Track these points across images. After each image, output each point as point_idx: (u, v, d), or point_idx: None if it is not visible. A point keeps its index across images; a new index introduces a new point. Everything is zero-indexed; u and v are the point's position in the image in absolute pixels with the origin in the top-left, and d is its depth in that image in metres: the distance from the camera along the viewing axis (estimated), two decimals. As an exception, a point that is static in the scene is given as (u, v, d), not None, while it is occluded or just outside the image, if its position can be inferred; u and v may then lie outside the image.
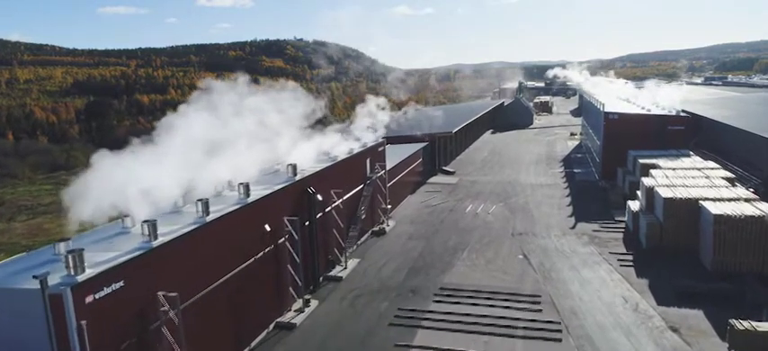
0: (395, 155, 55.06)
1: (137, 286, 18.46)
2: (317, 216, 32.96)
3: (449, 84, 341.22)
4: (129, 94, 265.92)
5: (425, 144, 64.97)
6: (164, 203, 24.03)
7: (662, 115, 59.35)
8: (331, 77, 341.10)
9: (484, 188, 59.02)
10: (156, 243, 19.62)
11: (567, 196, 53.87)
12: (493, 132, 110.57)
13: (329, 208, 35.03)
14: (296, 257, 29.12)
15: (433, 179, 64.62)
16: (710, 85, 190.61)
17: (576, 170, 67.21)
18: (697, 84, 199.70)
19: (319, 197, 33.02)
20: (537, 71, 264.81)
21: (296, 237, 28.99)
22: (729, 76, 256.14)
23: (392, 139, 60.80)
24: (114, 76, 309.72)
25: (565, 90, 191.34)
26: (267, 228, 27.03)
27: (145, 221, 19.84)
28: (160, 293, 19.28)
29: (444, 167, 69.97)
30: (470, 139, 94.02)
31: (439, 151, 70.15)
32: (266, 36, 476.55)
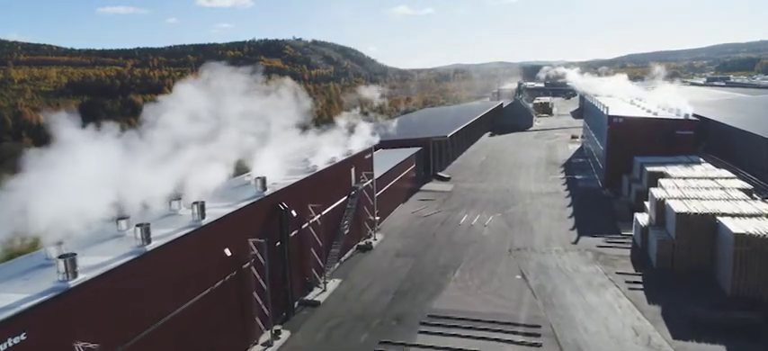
0: (386, 161, 51.74)
1: (45, 338, 15.06)
2: (292, 234, 29.56)
3: (448, 84, 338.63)
4: (124, 95, 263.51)
5: (419, 149, 61.49)
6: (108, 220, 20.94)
7: (670, 119, 55.91)
8: (330, 77, 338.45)
9: (480, 196, 55.60)
10: (74, 282, 16.19)
11: (569, 206, 50.45)
12: (491, 135, 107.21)
13: (306, 224, 31.62)
14: (263, 284, 25.70)
15: (426, 186, 61.20)
16: (713, 85, 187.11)
17: (577, 176, 63.82)
18: (699, 84, 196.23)
19: (294, 213, 29.64)
20: (530, 71, 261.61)
21: (262, 261, 25.57)
22: (731, 76, 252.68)
23: (384, 144, 57.54)
24: (110, 76, 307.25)
25: (565, 90, 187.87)
26: (228, 252, 23.62)
27: (61, 256, 16.41)
28: (78, 344, 15.86)
29: (439, 173, 66.55)
30: (468, 142, 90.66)
31: (434, 156, 66.72)
32: (266, 36, 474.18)
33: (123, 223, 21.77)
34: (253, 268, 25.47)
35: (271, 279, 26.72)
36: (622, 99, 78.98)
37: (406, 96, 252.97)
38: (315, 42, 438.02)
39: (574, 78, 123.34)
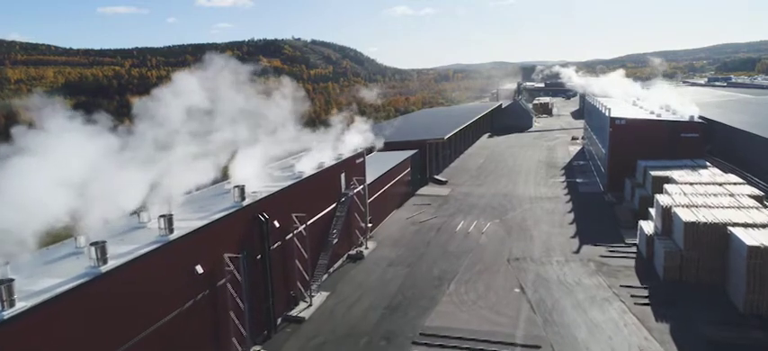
0: (381, 164, 49.81)
1: (-28, 378, 13.13)
2: (274, 246, 27.62)
3: (446, 84, 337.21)
4: (121, 95, 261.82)
5: (414, 151, 59.47)
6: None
7: (674, 121, 53.96)
8: (328, 77, 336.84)
9: (478, 201, 53.65)
10: (9, 313, 14.25)
11: (570, 212, 48.45)
12: (490, 136, 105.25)
13: (290, 235, 29.65)
14: (240, 303, 23.76)
15: (422, 190, 59.26)
16: (714, 86, 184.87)
17: (578, 180, 61.86)
18: (700, 84, 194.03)
19: (276, 224, 27.70)
20: (530, 71, 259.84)
21: (239, 277, 23.64)
22: (732, 76, 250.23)
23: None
24: (107, 75, 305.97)
25: (565, 91, 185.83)
26: (199, 269, 21.67)
27: (-4, 282, 14.47)
28: (13, 384, 13.94)
29: (436, 176, 64.61)
30: (466, 143, 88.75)
31: (430, 159, 64.74)
32: (266, 36, 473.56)
33: (82, 239, 19.81)
34: (228, 285, 23.51)
35: (251, 295, 24.90)
36: (625, 100, 77.04)
37: (404, 96, 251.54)
38: (314, 42, 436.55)
39: (569, 76, 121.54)
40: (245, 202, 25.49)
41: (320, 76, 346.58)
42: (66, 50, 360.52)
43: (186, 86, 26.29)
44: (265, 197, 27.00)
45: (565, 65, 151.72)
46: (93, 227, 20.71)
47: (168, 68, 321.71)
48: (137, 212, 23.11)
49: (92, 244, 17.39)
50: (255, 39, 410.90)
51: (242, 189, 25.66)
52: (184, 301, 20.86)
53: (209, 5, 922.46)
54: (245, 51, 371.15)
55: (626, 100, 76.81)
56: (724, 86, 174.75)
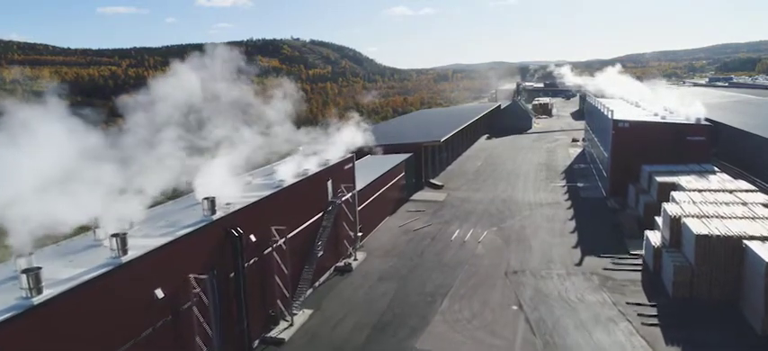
0: (373, 169, 47.59)
1: None
2: (250, 263, 25.33)
3: (446, 84, 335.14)
4: (117, 95, 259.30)
5: (409, 155, 57.15)
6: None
7: (679, 123, 51.64)
8: (327, 77, 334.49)
9: (475, 207, 51.34)
10: None
11: (571, 219, 46.16)
12: (489, 137, 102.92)
13: (269, 249, 27.34)
14: (207, 328, 21.48)
15: (417, 195, 56.94)
16: (715, 86, 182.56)
17: (579, 184, 59.57)
18: (702, 85, 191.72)
19: (252, 238, 25.42)
20: (524, 73, 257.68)
21: (206, 300, 21.35)
22: (733, 76, 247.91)
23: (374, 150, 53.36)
24: (103, 75, 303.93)
25: (564, 91, 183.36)
26: (159, 294, 19.37)
27: None
28: None
29: (432, 180, 62.30)
30: (464, 145, 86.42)
31: (425, 162, 62.41)
32: (265, 36, 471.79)
33: (22, 262, 17.46)
34: (194, 309, 21.22)
35: (223, 317, 22.72)
36: (627, 100, 74.72)
37: (403, 97, 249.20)
38: (313, 42, 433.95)
39: (564, 74, 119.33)
40: (216, 216, 23.20)
41: (319, 76, 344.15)
42: (63, 50, 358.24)
43: (180, 82, 24.76)
44: (240, 209, 24.70)
45: (561, 64, 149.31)
46: (37, 245, 18.66)
47: (166, 68, 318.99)
48: (93, 228, 20.87)
49: (23, 271, 15.13)
50: (254, 39, 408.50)
51: (212, 201, 23.36)
52: (141, 331, 18.55)
53: (209, 5, 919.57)
54: (244, 51, 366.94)
55: (628, 101, 74.51)
56: (725, 87, 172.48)
